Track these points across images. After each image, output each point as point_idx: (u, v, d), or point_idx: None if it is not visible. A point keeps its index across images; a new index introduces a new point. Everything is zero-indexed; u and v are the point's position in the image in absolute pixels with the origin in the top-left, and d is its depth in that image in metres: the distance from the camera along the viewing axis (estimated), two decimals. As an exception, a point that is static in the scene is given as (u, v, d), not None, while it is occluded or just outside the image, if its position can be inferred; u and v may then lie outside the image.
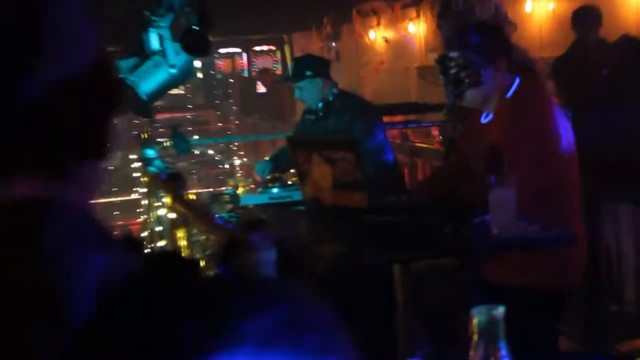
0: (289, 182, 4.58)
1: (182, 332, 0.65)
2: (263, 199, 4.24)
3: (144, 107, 5.02)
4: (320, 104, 4.35)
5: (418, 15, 10.46)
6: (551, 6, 8.10)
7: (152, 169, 4.72)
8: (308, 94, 4.39)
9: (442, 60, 2.99)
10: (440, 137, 7.25)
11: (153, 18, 5.30)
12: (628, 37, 5.19)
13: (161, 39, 5.28)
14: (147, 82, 5.05)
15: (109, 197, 10.62)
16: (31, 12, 0.69)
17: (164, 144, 6.09)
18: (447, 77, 2.97)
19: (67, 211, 0.71)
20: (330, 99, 4.34)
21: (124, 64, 5.53)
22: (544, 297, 2.74)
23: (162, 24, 5.32)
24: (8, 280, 0.66)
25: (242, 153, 7.38)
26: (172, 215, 3.34)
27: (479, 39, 2.97)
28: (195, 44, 4.72)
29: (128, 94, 5.08)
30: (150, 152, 4.92)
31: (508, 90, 2.98)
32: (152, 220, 4.58)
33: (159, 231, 4.48)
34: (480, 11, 3.43)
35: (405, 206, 3.11)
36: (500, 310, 1.04)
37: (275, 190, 4.36)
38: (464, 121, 3.51)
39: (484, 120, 3.09)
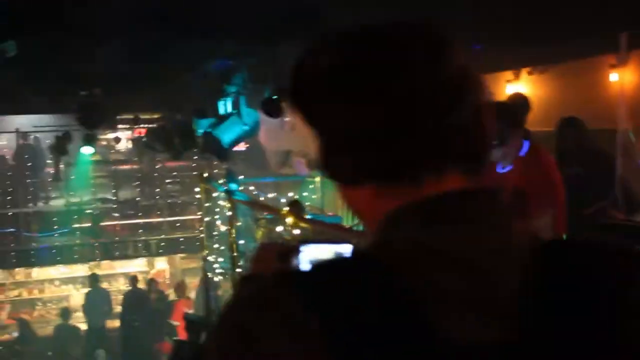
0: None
1: None
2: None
3: (224, 153, 6.93)
4: None
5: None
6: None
7: (236, 197, 6.46)
8: None
9: None
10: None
11: (228, 90, 7.28)
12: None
13: (235, 104, 7.27)
14: (227, 135, 6.96)
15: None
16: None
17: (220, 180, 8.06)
18: None
19: None
20: None
21: (205, 122, 7.50)
22: None
23: (232, 94, 7.31)
24: None
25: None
26: (296, 232, 4.40)
27: (508, 111, 3.83)
28: (273, 108, 6.53)
29: (215, 143, 7.00)
30: (234, 186, 6.67)
31: (521, 149, 3.80)
32: (234, 232, 6.43)
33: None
34: None
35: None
36: None
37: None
38: None
39: (500, 170, 3.85)
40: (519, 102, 4.25)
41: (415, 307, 0.79)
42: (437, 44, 0.90)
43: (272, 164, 16.86)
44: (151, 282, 14.16)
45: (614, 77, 8.37)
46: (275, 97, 6.42)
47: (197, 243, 14.93)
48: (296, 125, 15.60)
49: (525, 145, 3.83)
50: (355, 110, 0.87)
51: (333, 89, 0.89)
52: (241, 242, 6.55)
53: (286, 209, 4.68)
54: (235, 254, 6.52)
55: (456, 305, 0.80)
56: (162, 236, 14.66)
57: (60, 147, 12.28)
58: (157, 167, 15.67)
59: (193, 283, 15.50)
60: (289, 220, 4.55)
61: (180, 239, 14.78)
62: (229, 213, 6.46)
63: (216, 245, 7.66)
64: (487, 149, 0.96)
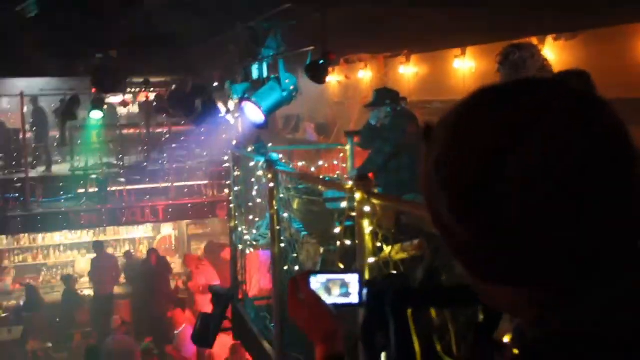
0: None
1: None
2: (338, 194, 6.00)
3: (265, 122, 6.65)
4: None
5: (366, 66, 13.74)
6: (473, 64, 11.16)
7: (279, 167, 6.15)
8: (378, 115, 6.47)
9: None
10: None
11: (264, 53, 6.97)
12: None
13: (273, 68, 6.95)
14: (265, 101, 6.67)
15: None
16: None
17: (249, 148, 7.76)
18: None
19: None
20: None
21: (239, 87, 7.20)
22: None
23: (268, 58, 7.00)
24: None
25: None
26: (367, 208, 4.07)
27: (580, 82, 3.41)
28: (319, 73, 6.24)
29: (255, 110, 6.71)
30: (274, 156, 6.38)
31: None
32: (275, 204, 6.15)
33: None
34: (531, 64, 4.13)
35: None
36: None
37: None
38: None
39: None
40: (586, 72, 3.68)
41: None
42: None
43: (280, 128, 16.69)
44: (152, 251, 14.07)
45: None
46: (321, 61, 6.11)
47: (205, 209, 14.73)
48: (303, 90, 15.63)
49: None
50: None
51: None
52: (284, 215, 6.28)
53: (350, 183, 4.37)
54: (277, 227, 6.25)
55: None
56: (170, 202, 14.37)
57: (69, 111, 11.91)
58: (164, 131, 15.36)
59: (200, 249, 15.36)
60: (358, 196, 4.23)
61: (188, 205, 14.54)
62: (271, 184, 6.16)
63: (250, 217, 7.38)
64: None
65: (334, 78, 15.06)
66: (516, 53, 4.23)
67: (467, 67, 11.50)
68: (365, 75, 14.11)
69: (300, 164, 8.27)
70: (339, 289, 1.49)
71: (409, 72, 13.00)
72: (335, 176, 7.81)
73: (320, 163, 8.27)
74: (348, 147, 8.32)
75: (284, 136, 15.51)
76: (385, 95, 6.52)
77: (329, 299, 1.49)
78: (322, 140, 13.98)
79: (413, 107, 11.91)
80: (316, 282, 1.48)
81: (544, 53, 4.46)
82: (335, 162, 8.42)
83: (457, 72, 11.73)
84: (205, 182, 15.00)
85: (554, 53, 9.73)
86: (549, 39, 9.86)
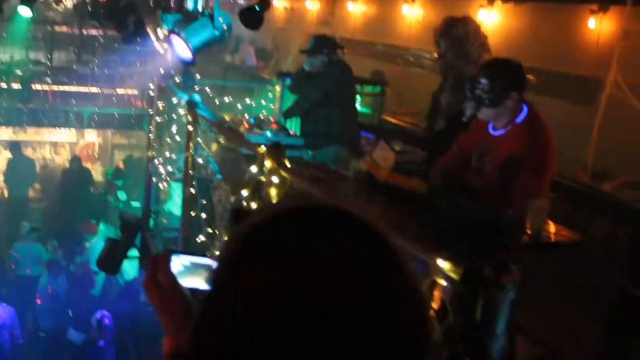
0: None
1: None
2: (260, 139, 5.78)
3: (193, 59, 6.36)
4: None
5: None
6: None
7: (200, 110, 5.95)
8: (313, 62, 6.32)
9: (472, 82, 3.54)
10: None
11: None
12: None
13: (207, 3, 6.63)
14: (195, 38, 6.37)
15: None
16: None
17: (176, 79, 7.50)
18: (472, 94, 3.54)
19: None
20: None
21: (171, 17, 6.83)
22: None
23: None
24: None
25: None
26: (275, 179, 3.97)
27: (503, 73, 3.53)
28: (252, 19, 5.96)
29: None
30: (197, 97, 6.16)
31: (518, 115, 3.56)
32: (192, 149, 5.99)
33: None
34: (473, 39, 4.17)
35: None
36: None
37: (268, 134, 6.13)
38: (445, 119, 4.33)
39: (493, 132, 3.67)
40: (516, 64, 3.62)
41: None
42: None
43: (218, 49, 16.18)
44: (75, 159, 13.69)
45: (592, 23, 8.21)
46: (257, 6, 5.85)
47: (132, 120, 14.34)
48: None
49: (524, 111, 3.58)
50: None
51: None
52: (202, 154, 6.15)
53: (264, 148, 4.24)
54: (190, 171, 6.12)
55: None
56: (96, 109, 13.87)
57: (-5, 3, 11.19)
58: (98, 34, 14.65)
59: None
60: (267, 163, 4.13)
61: (115, 114, 14.08)
62: (190, 127, 5.98)
63: (167, 153, 7.20)
64: None
65: (280, 4, 14.65)
66: (459, 27, 4.18)
67: (414, 14, 11.33)
68: (313, 6, 13.74)
69: (226, 99, 8.05)
70: (203, 274, 1.34)
71: (357, 10, 12.73)
72: (262, 117, 7.63)
73: (248, 102, 8.07)
74: (278, 88, 8.14)
75: (221, 57, 15.07)
76: (323, 43, 6.39)
77: (188, 283, 1.35)
78: (261, 66, 13.66)
79: (356, 46, 11.76)
80: (178, 264, 1.33)
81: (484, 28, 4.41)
82: (264, 102, 8.25)
83: (405, 18, 11.55)
84: (135, 92, 14.49)
85: (502, 15, 9.72)
86: (498, 1, 9.73)
